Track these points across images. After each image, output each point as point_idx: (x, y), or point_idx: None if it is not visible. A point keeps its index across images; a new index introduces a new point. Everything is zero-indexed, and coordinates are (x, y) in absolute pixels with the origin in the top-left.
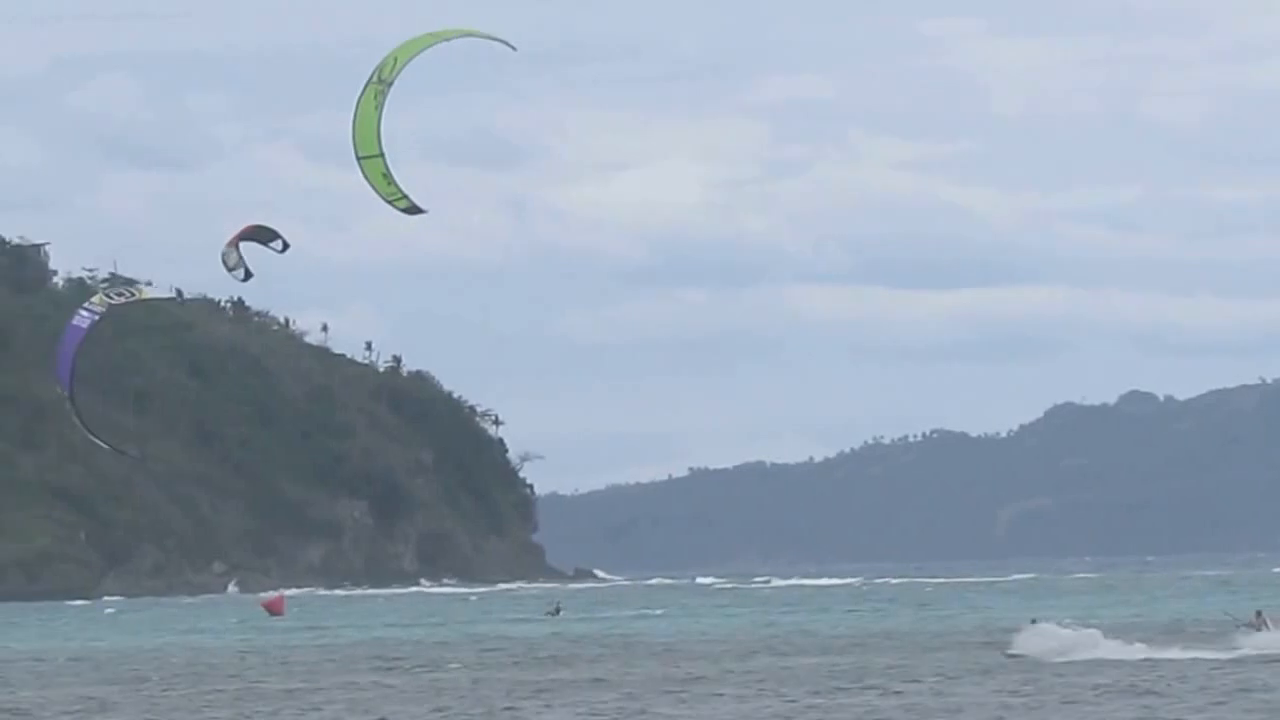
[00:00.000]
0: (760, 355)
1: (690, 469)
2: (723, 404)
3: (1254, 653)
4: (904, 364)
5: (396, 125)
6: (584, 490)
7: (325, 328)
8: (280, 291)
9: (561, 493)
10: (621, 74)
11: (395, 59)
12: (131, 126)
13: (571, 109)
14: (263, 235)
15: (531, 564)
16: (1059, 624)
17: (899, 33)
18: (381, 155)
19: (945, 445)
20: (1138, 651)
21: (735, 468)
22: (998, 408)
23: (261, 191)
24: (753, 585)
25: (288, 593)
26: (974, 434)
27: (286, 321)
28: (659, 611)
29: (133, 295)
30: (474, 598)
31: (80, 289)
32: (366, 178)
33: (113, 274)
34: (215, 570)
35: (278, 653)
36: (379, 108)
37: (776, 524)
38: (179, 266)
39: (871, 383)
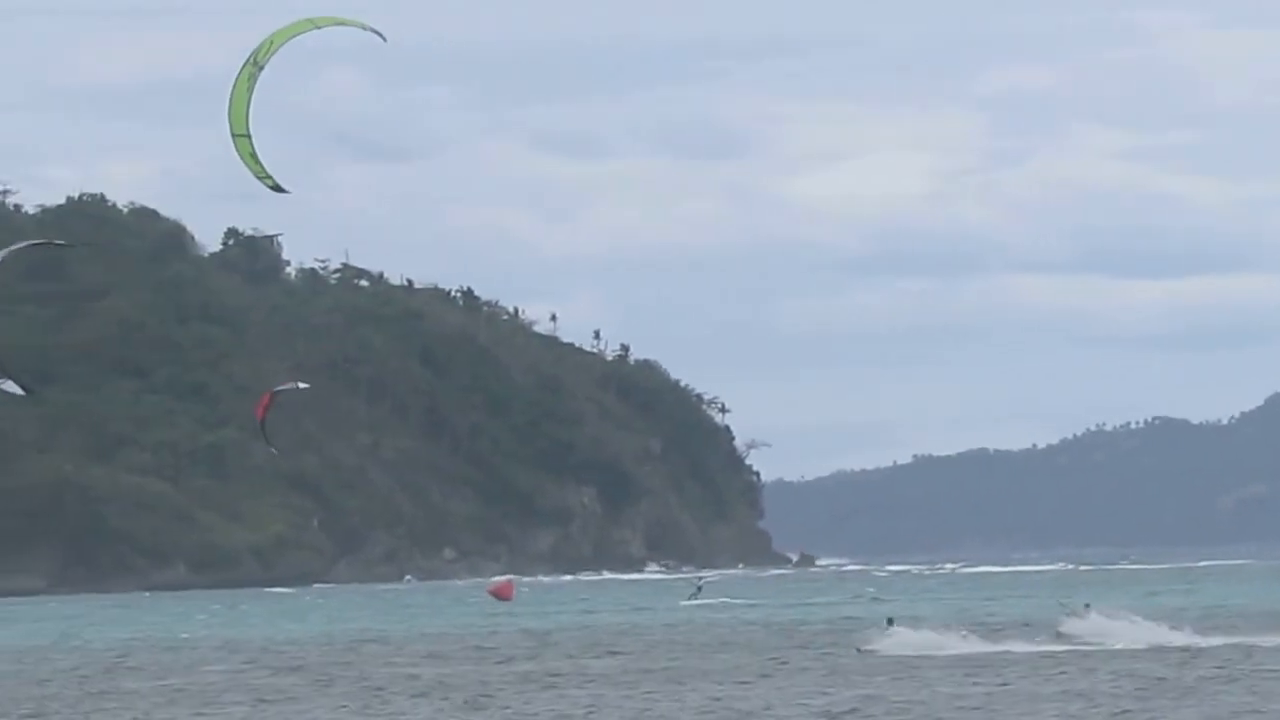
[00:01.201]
0: (980, 343)
1: (914, 456)
2: (945, 392)
3: (1073, 644)
4: (1123, 352)
5: (620, 114)
6: (810, 477)
7: (554, 317)
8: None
9: (788, 479)
10: (843, 65)
11: (271, 42)
12: (361, 119)
13: (793, 100)
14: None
15: (757, 549)
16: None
17: (1118, 24)
18: (249, 135)
19: (1167, 432)
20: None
21: (958, 454)
22: (1217, 395)
23: (488, 183)
24: (940, 571)
25: (516, 579)
26: (1195, 421)
27: (515, 311)
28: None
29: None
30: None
31: (312, 279)
32: (238, 154)
33: (344, 264)
34: (445, 556)
35: (484, 635)
36: (250, 89)
37: (999, 510)
38: (409, 257)
39: (1092, 370)
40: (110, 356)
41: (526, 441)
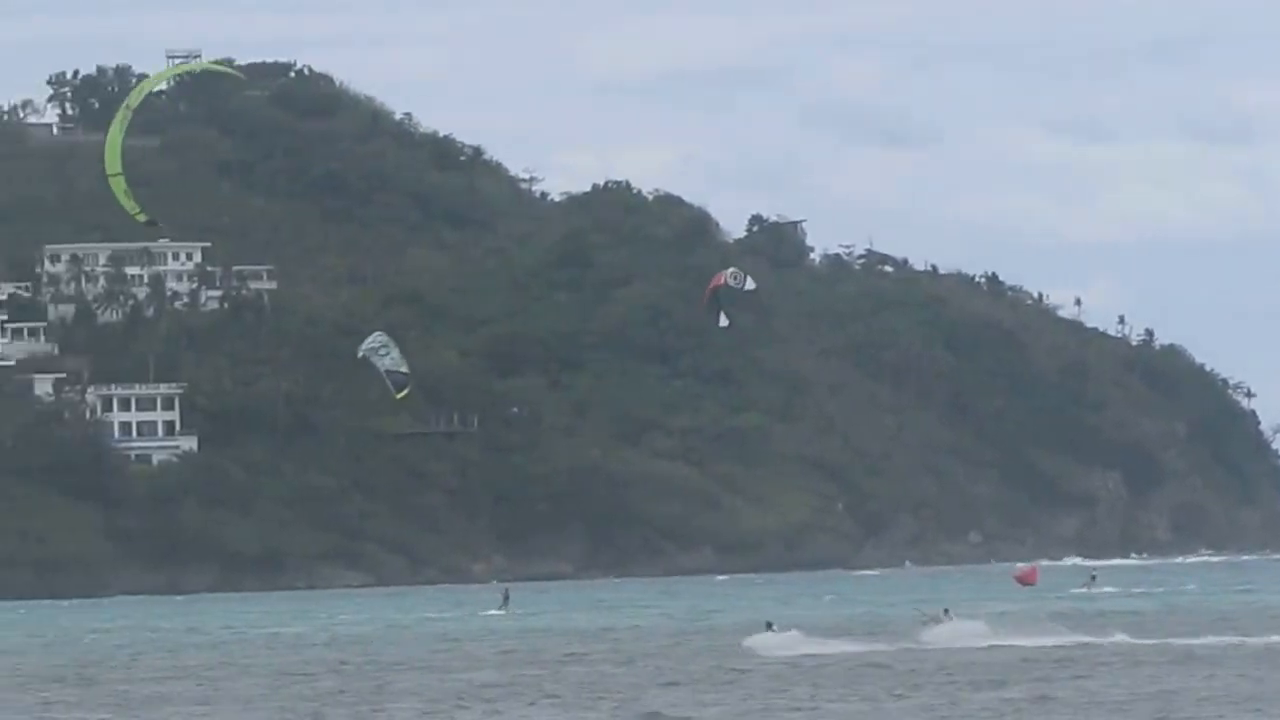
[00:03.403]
0: None
1: None
2: None
3: (933, 646)
4: None
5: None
6: None
7: (1078, 302)
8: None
9: None
10: None
11: (142, 90)
12: (880, 104)
13: None
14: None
15: None
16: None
17: None
18: (122, 174)
19: None
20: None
21: None
22: None
23: (1005, 168)
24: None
25: (1041, 564)
26: None
27: (1040, 296)
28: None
29: None
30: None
31: (837, 265)
32: (114, 193)
33: (869, 250)
34: (971, 540)
35: None
36: (122, 131)
37: None
38: (931, 242)
39: None
40: (636, 342)
41: (1050, 425)
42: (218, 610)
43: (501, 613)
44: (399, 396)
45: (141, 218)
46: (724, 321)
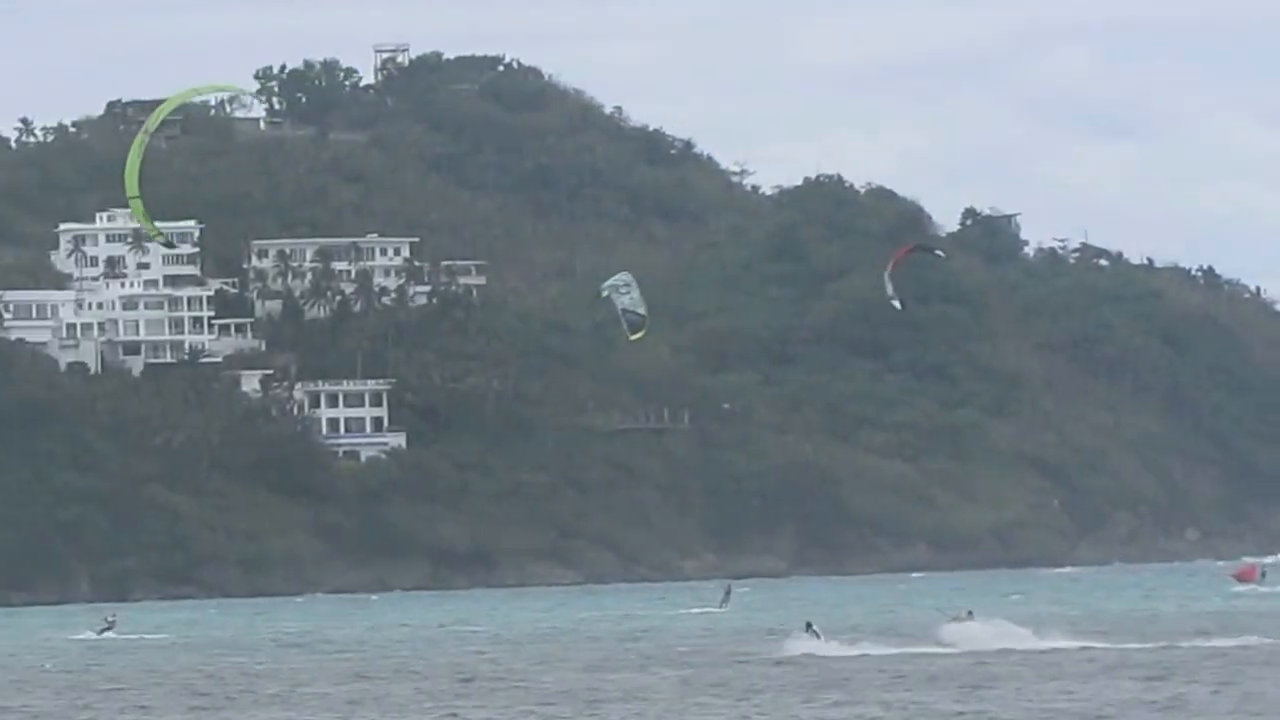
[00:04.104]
0: None
1: None
2: None
3: (955, 648)
4: None
5: None
6: None
7: None
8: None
9: None
10: None
11: (159, 115)
12: (1095, 96)
13: None
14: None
15: None
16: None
17: None
18: (140, 196)
19: None
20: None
21: None
22: None
23: (1222, 160)
24: None
25: (1265, 560)
26: None
27: (1257, 290)
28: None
29: None
30: None
31: (1051, 259)
32: (135, 215)
33: (1083, 244)
34: (1188, 537)
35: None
36: (140, 155)
37: None
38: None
39: None
40: (849, 337)
41: (1269, 420)
42: (510, 607)
43: (723, 610)
44: (633, 337)
45: (163, 239)
46: (896, 302)
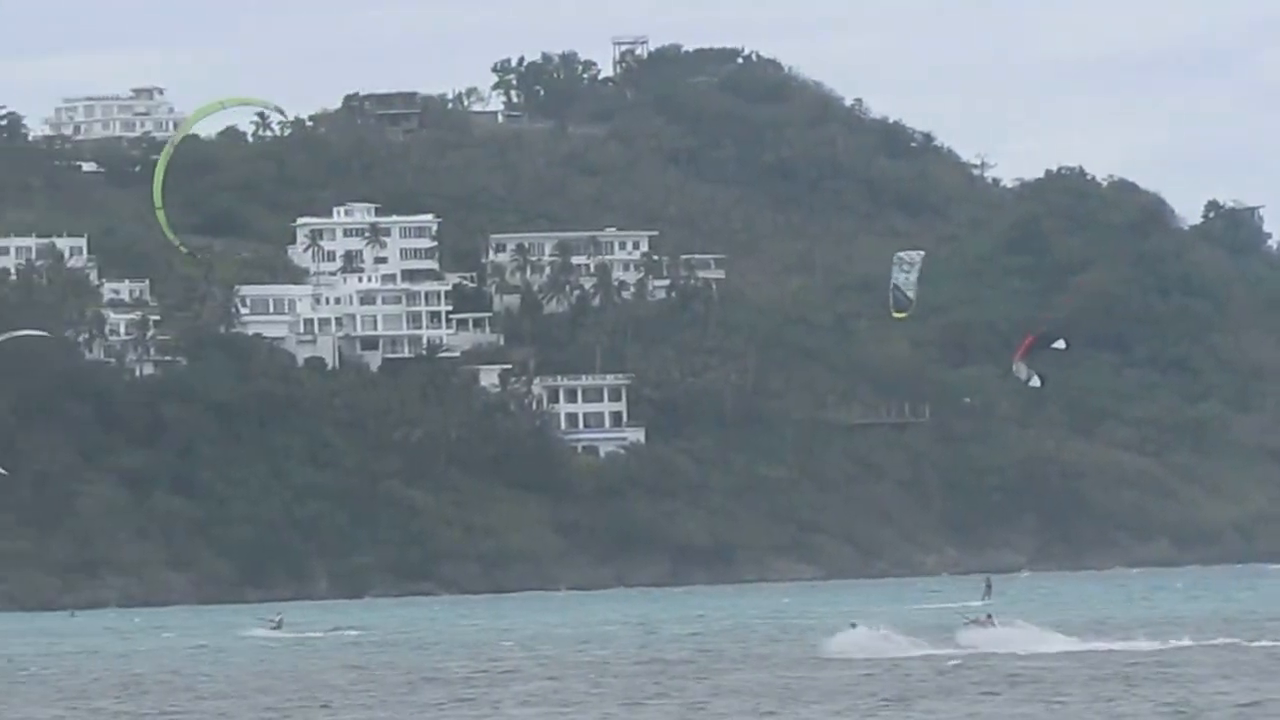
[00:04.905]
0: None
1: None
2: None
3: (971, 650)
4: None
5: None
6: None
7: None
8: None
9: None
10: None
11: (183, 130)
12: None
13: None
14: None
15: None
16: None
17: None
18: (163, 208)
19: None
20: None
21: None
22: None
23: None
24: None
25: None
26: None
27: None
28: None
29: None
30: None
31: None
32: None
33: None
34: None
35: None
36: (164, 168)
37: None
38: None
39: None
40: (1091, 330)
41: None
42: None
43: (985, 602)
44: (896, 316)
45: (184, 249)
46: (1034, 381)
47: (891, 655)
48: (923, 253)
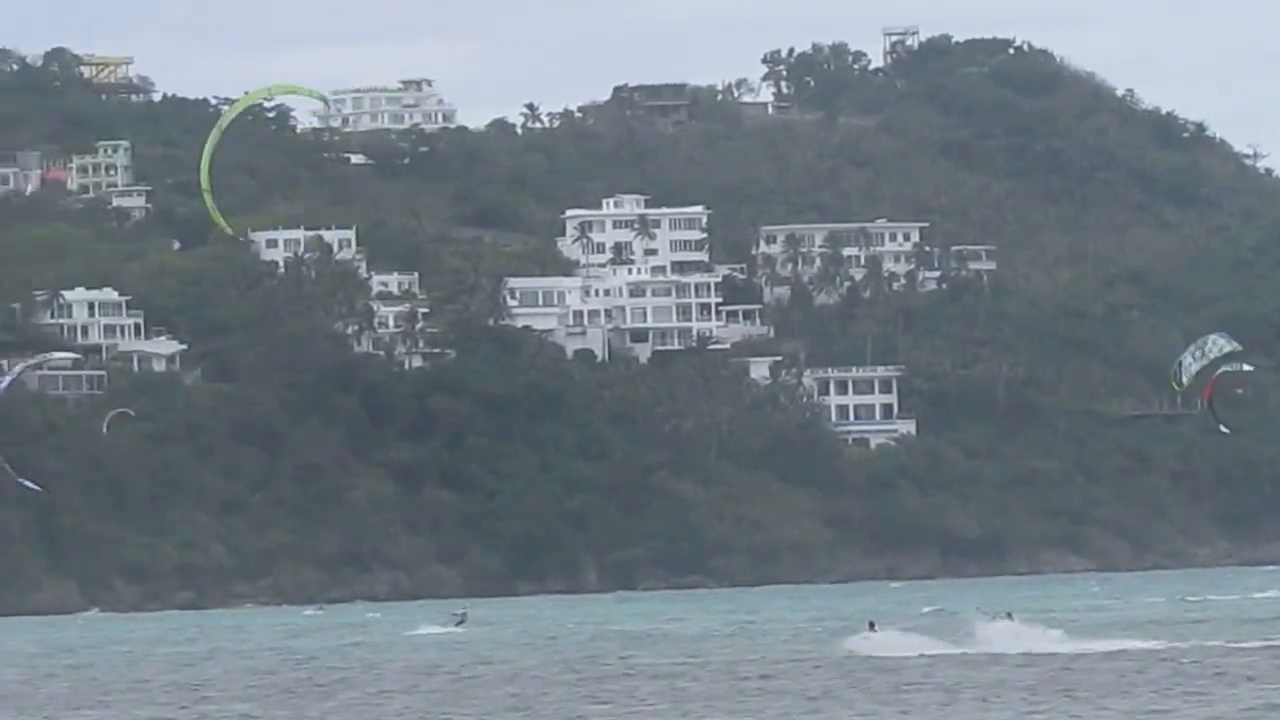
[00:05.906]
0: None
1: None
2: None
3: (983, 648)
4: None
5: None
6: None
7: None
8: None
9: None
10: None
11: (230, 114)
12: None
13: None
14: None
15: None
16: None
17: None
18: (211, 190)
19: None
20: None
21: None
22: None
23: None
24: None
25: None
26: None
27: None
28: None
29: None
30: None
31: None
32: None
33: None
34: None
35: None
36: (212, 152)
37: None
38: None
39: None
40: None
41: None
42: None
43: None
44: (1174, 387)
45: (229, 231)
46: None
47: (906, 654)
48: (1230, 348)
